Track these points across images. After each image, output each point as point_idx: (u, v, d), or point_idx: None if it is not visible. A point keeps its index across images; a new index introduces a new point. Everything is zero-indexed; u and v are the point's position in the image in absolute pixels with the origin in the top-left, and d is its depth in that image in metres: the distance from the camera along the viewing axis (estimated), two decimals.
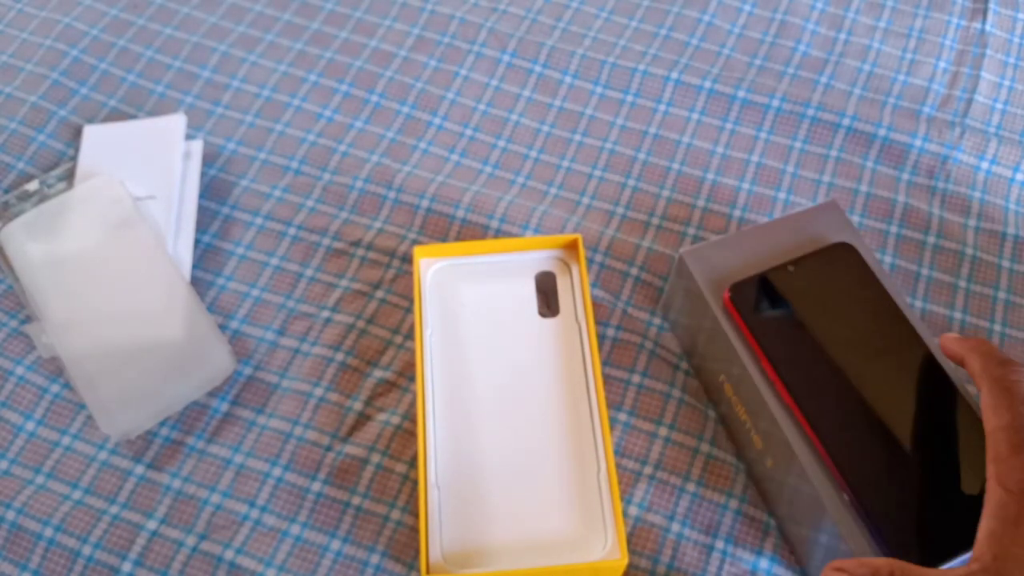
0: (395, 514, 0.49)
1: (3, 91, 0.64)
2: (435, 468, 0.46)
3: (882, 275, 0.47)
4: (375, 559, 0.48)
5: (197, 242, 0.58)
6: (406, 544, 0.48)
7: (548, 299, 0.51)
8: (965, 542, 0.37)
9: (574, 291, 0.52)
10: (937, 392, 0.43)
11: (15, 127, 0.62)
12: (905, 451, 0.41)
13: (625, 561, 0.43)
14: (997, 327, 0.54)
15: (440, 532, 0.44)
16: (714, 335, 0.47)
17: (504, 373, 0.49)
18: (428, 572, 0.43)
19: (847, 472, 0.41)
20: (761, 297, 0.46)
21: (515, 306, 0.51)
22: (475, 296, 0.51)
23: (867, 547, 0.40)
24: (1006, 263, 0.57)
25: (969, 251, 0.57)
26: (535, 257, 0.53)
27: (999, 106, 0.64)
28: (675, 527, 0.48)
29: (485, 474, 0.46)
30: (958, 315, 0.55)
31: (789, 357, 0.44)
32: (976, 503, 0.37)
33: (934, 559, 0.39)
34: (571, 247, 0.53)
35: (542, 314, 0.51)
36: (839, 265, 0.47)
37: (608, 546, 0.44)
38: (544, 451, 0.46)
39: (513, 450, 0.46)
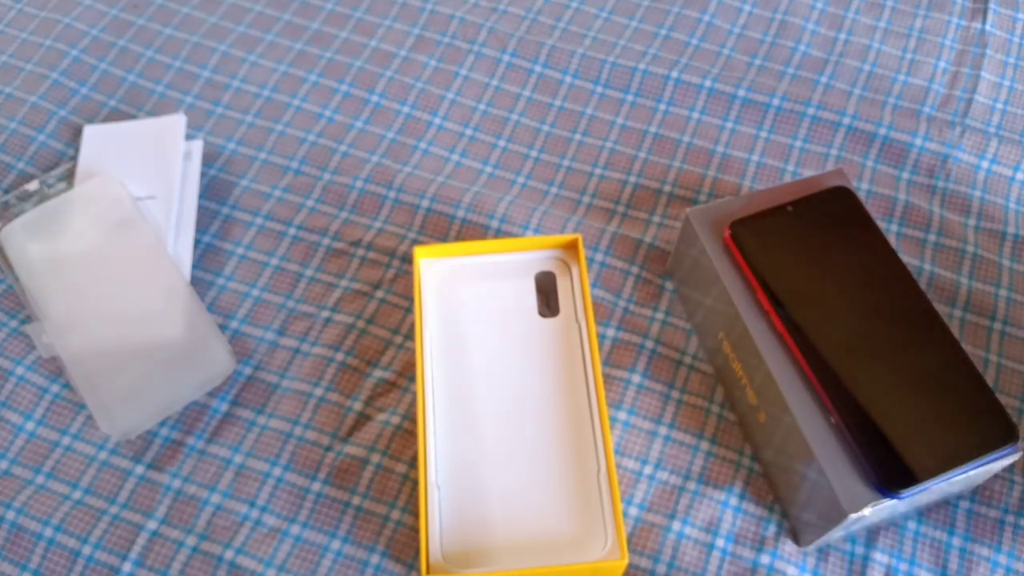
0: (395, 514, 0.49)
1: (3, 91, 0.64)
2: (435, 468, 0.46)
3: (876, 219, 0.51)
4: (375, 559, 0.47)
5: (197, 242, 0.58)
6: (406, 544, 0.48)
7: (548, 299, 0.51)
8: (942, 465, 0.41)
9: (574, 291, 0.51)
10: (924, 325, 0.46)
11: (15, 127, 0.62)
12: (892, 380, 0.44)
13: (625, 561, 0.43)
14: (998, 326, 0.54)
15: (440, 532, 0.44)
16: (714, 280, 0.49)
17: (504, 373, 0.49)
18: (428, 572, 0.43)
19: (834, 396, 0.43)
20: (760, 234, 0.48)
21: (515, 306, 0.51)
22: (475, 296, 0.51)
23: (849, 476, 0.42)
24: (1006, 262, 0.57)
25: (970, 249, 0.57)
26: (535, 257, 0.53)
27: (999, 106, 0.64)
28: (675, 526, 0.48)
29: (485, 474, 0.46)
30: (958, 313, 0.55)
31: (784, 290, 0.46)
32: (955, 430, 0.42)
33: (913, 480, 0.41)
34: (571, 247, 0.53)
35: (542, 314, 0.51)
36: (836, 207, 0.49)
37: (608, 546, 0.44)
38: (544, 451, 0.46)
39: (513, 450, 0.47)
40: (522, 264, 0.52)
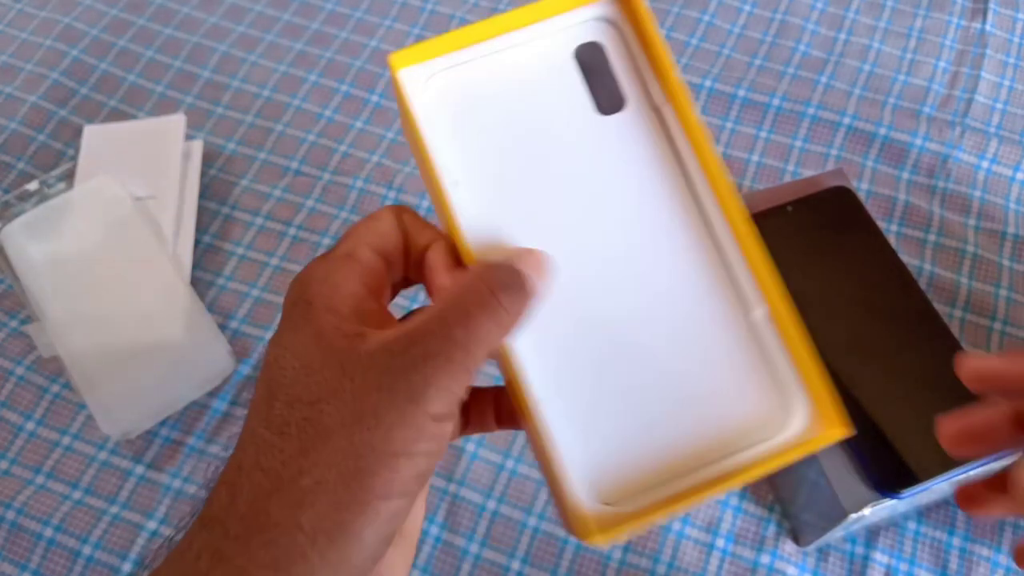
0: None
1: (3, 91, 0.64)
2: (530, 376, 0.29)
3: (876, 219, 0.50)
4: None
5: (197, 242, 0.57)
6: None
7: (603, 84, 0.34)
8: (942, 465, 0.41)
9: (637, 62, 0.34)
10: (924, 325, 0.46)
11: (15, 127, 0.62)
12: (892, 380, 0.44)
13: (841, 431, 0.29)
14: (998, 325, 0.54)
15: (574, 463, 0.29)
16: None
17: (578, 215, 0.32)
18: (586, 530, 0.28)
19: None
20: (759, 234, 0.48)
21: (558, 110, 0.33)
22: (497, 111, 0.33)
23: (849, 476, 0.42)
24: (1006, 261, 0.57)
25: (970, 249, 0.57)
26: (565, 25, 0.34)
27: (999, 106, 0.64)
28: (675, 526, 0.48)
29: (604, 361, 0.31)
30: (959, 313, 0.55)
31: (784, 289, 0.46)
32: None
33: (913, 480, 0.41)
34: None
35: (602, 110, 0.33)
36: (836, 207, 0.49)
37: (805, 417, 0.30)
38: (672, 305, 0.31)
39: (629, 317, 0.31)
40: (549, 44, 0.33)
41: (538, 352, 0.30)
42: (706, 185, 0.32)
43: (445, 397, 0.25)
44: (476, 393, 0.33)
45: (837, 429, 0.29)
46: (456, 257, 0.31)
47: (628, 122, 0.33)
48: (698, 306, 0.31)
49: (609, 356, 0.31)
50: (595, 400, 0.30)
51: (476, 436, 0.51)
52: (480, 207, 0.31)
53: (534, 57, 0.33)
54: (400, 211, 0.31)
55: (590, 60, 0.34)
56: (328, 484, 0.24)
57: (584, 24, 0.34)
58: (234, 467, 0.25)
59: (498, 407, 0.33)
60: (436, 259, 0.30)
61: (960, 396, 0.44)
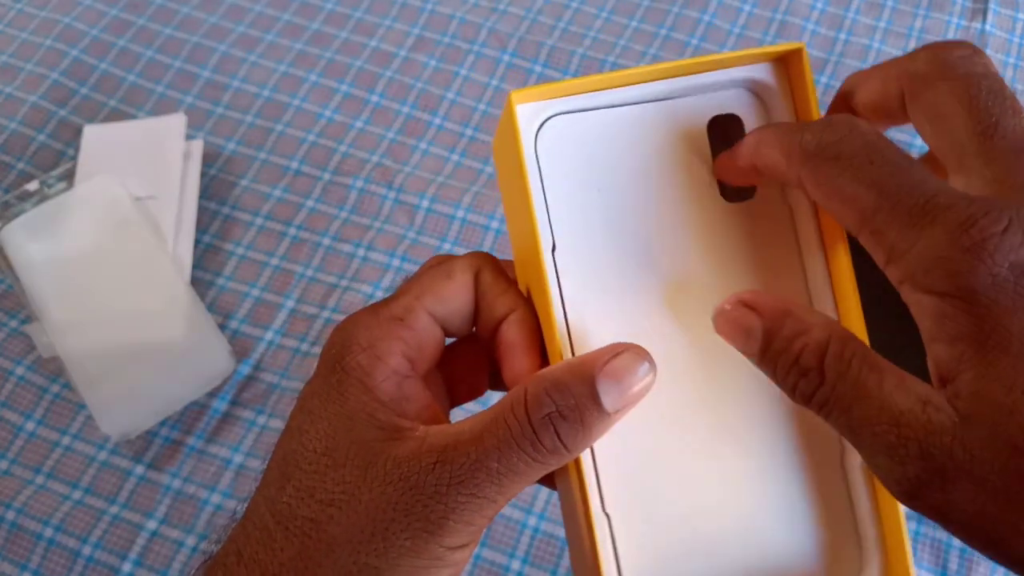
0: None
1: (3, 91, 0.64)
2: (596, 485, 0.26)
3: None
4: None
5: (197, 242, 0.57)
6: None
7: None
8: None
9: None
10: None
11: (15, 127, 0.62)
12: None
13: None
14: None
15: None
16: None
17: (685, 312, 0.27)
18: None
19: None
20: None
21: (680, 185, 0.28)
22: (613, 172, 0.28)
23: None
24: None
25: None
26: (705, 86, 0.28)
27: None
28: None
29: (675, 481, 0.27)
30: None
31: None
32: None
33: None
34: (781, 64, 0.28)
35: (727, 195, 0.28)
36: None
37: (871, 571, 0.27)
38: (758, 430, 0.28)
39: (710, 436, 0.27)
40: (683, 107, 0.28)
41: (607, 458, 0.26)
42: (831, 300, 0.28)
43: (466, 531, 0.23)
44: (464, 353, 0.29)
45: None
46: (538, 334, 0.26)
47: (755, 215, 0.28)
48: (791, 438, 0.28)
49: (683, 471, 0.27)
50: (656, 517, 0.27)
51: None
52: (575, 282, 0.27)
53: (664, 119, 0.28)
54: (480, 266, 0.27)
55: (725, 134, 0.28)
56: None
57: (726, 90, 0.28)
58: (234, 551, 0.24)
59: (489, 367, 0.29)
60: (513, 336, 0.26)
61: None
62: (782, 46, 0.27)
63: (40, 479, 0.50)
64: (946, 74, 0.22)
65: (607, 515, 0.26)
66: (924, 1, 0.69)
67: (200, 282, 0.56)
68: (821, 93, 0.63)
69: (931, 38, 0.67)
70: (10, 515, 0.49)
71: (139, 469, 0.50)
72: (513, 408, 0.23)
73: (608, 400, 0.23)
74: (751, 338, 0.23)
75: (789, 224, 0.28)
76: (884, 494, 0.27)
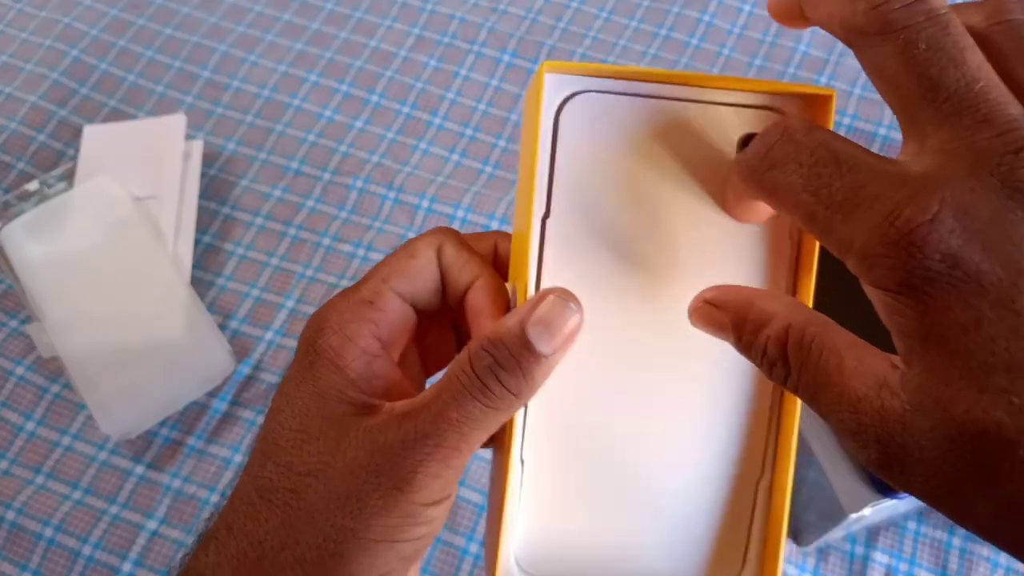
0: None
1: (3, 91, 0.64)
2: (522, 435, 0.28)
3: None
4: None
5: (197, 242, 0.57)
6: None
7: None
8: None
9: None
10: None
11: (15, 127, 0.62)
12: None
13: None
14: None
15: (521, 526, 0.29)
16: None
17: (648, 310, 0.28)
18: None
19: None
20: None
21: (691, 190, 0.28)
22: (627, 160, 0.28)
23: (849, 476, 0.41)
24: None
25: None
26: (736, 101, 0.28)
27: None
28: None
29: (597, 457, 0.29)
30: None
31: None
32: None
33: None
34: (811, 105, 0.28)
35: (734, 214, 0.28)
36: None
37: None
38: (690, 431, 0.29)
39: (644, 422, 0.29)
40: (716, 119, 0.28)
41: (539, 421, 0.28)
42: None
43: (435, 484, 0.24)
44: (439, 326, 0.30)
45: None
46: (504, 297, 0.28)
47: (759, 237, 0.28)
48: (727, 434, 0.29)
49: (604, 456, 0.29)
50: (569, 487, 0.29)
51: None
52: (557, 254, 0.27)
53: (690, 121, 0.28)
54: (442, 241, 0.28)
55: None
56: (308, 564, 0.24)
57: (753, 110, 0.28)
58: (224, 526, 0.25)
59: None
60: (479, 302, 0.27)
61: None
62: (813, 89, 0.28)
63: (40, 479, 0.50)
64: (885, 29, 0.20)
65: (522, 461, 0.28)
66: None
67: (200, 282, 0.56)
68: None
69: None
70: (10, 515, 0.49)
71: (139, 469, 0.50)
72: (461, 364, 0.24)
73: (541, 345, 0.24)
74: (724, 333, 0.24)
75: (788, 253, 0.28)
76: (776, 522, 0.29)
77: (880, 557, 0.48)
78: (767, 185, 0.22)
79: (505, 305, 0.27)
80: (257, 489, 0.25)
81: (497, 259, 0.30)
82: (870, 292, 0.20)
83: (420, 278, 0.27)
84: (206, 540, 0.25)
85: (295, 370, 0.26)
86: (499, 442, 0.28)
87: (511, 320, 0.25)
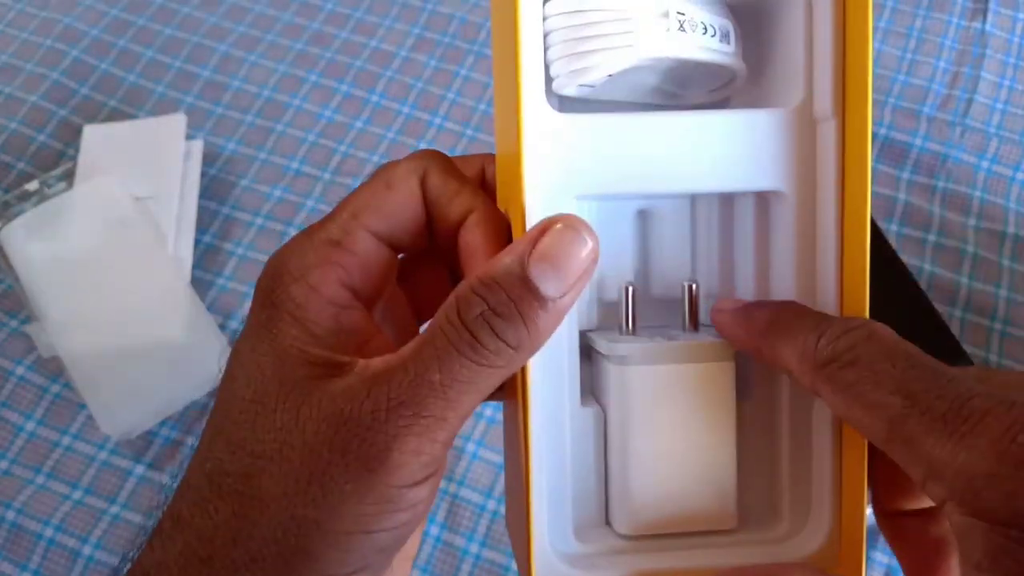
0: None
1: (3, 91, 0.64)
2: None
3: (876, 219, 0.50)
4: None
5: (197, 242, 0.57)
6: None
7: None
8: None
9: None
10: (924, 325, 0.47)
11: (15, 127, 0.62)
12: None
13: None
14: (998, 325, 0.54)
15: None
16: None
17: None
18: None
19: None
20: None
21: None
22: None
23: None
24: (1006, 261, 0.57)
25: (970, 249, 0.57)
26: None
27: (999, 106, 0.64)
28: None
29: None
30: (959, 313, 0.55)
31: None
32: None
33: None
34: None
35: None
36: None
37: (818, 537, 0.26)
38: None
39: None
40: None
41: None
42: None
43: (416, 462, 0.19)
44: (429, 266, 0.25)
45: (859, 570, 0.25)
46: (504, 231, 0.22)
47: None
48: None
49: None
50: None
51: (476, 436, 0.51)
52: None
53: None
54: (426, 168, 0.23)
55: None
56: (265, 561, 0.19)
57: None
58: (170, 516, 0.21)
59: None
60: (474, 240, 0.22)
61: None
62: None
63: (40, 479, 0.50)
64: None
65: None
66: (924, 1, 0.69)
67: (200, 282, 0.56)
68: None
69: (931, 38, 0.67)
70: (10, 515, 0.49)
71: (139, 469, 0.50)
72: (447, 313, 0.20)
73: (548, 286, 0.19)
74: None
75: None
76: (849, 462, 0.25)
77: (880, 557, 0.48)
78: (842, 381, 0.20)
79: (507, 241, 0.22)
80: (206, 473, 0.21)
81: (485, 186, 0.25)
82: (963, 522, 0.17)
83: (399, 213, 0.22)
84: (154, 533, 0.22)
85: (250, 327, 0.22)
86: (512, 390, 0.23)
87: (508, 256, 0.20)
